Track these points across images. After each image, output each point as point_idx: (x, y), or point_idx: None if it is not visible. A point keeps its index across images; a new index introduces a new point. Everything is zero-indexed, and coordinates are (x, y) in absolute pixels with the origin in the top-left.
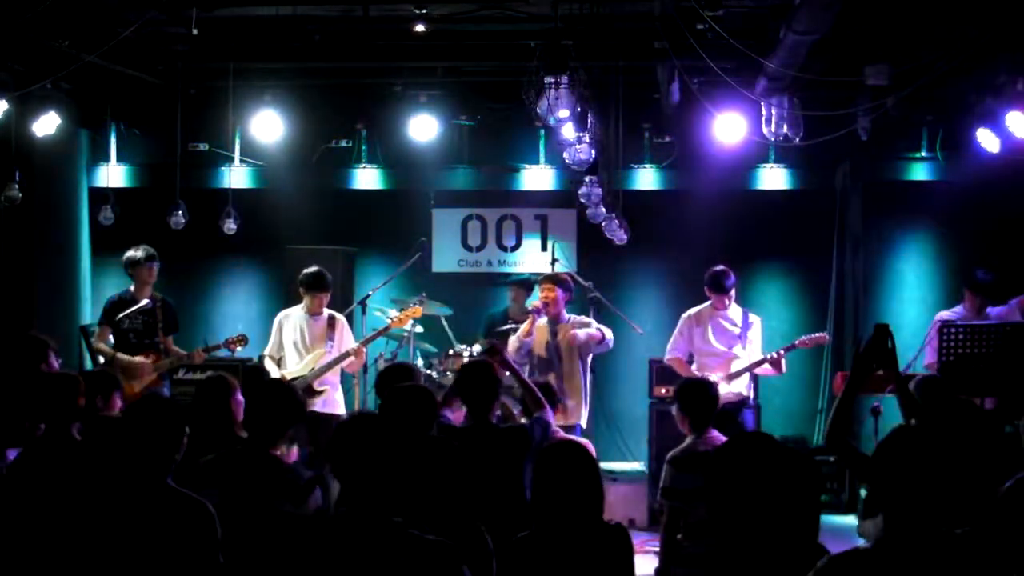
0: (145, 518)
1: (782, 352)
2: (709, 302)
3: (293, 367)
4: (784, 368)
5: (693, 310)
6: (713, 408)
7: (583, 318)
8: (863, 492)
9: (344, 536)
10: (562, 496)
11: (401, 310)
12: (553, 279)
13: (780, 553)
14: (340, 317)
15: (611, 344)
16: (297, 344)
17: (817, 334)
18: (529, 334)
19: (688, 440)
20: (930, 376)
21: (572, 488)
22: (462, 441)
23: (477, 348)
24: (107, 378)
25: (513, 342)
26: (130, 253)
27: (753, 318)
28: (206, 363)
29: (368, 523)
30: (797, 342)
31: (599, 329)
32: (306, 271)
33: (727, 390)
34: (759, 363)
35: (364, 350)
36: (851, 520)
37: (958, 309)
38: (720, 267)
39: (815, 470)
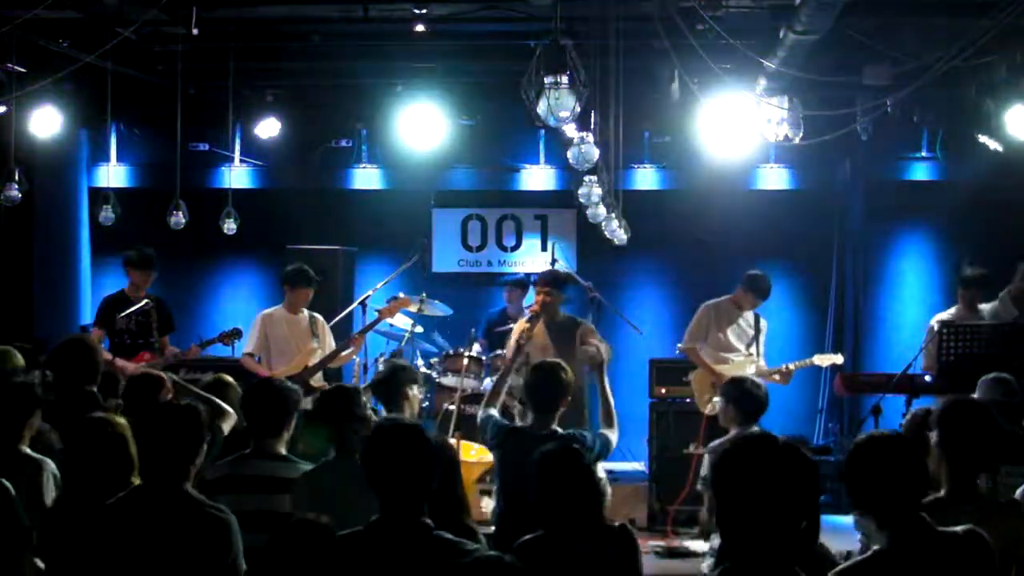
0: (163, 525)
1: (792, 367)
2: (728, 296)
3: (284, 366)
4: (790, 381)
5: (712, 302)
6: (760, 405)
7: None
8: None
9: (383, 544)
10: (560, 499)
11: (388, 302)
12: (549, 280)
13: (784, 551)
14: (319, 317)
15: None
16: (288, 343)
17: (835, 356)
18: (529, 337)
19: (733, 433)
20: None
21: (569, 491)
22: (521, 441)
23: (476, 348)
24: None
25: (511, 345)
26: (131, 253)
27: (763, 321)
28: (206, 363)
29: (405, 529)
30: (809, 360)
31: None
32: (289, 267)
33: None
34: (771, 373)
35: (362, 339)
36: (851, 520)
37: (952, 310)
38: (759, 272)
39: (814, 468)
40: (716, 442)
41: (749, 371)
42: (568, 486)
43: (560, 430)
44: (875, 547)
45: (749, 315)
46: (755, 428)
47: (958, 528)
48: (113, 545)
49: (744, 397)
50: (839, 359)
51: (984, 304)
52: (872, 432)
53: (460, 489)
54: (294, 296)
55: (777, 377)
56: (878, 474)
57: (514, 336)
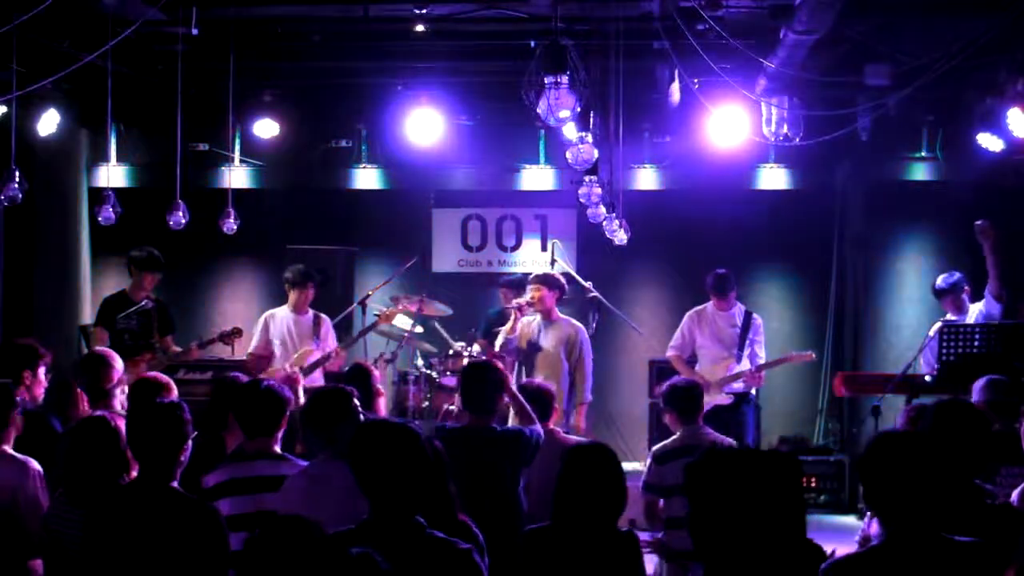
0: (150, 521)
1: (761, 369)
2: (711, 302)
3: (280, 365)
4: (763, 382)
5: (696, 309)
6: (695, 403)
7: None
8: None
9: (376, 544)
10: (585, 496)
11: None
12: (541, 279)
13: (770, 554)
14: (324, 317)
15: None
16: (285, 342)
17: (805, 352)
18: (513, 331)
19: (675, 435)
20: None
21: (597, 489)
22: (460, 442)
23: (476, 349)
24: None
25: (499, 338)
26: (141, 254)
27: (757, 319)
28: (209, 365)
29: (397, 529)
30: (783, 357)
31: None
32: (291, 268)
33: (716, 396)
34: (739, 376)
35: (345, 352)
36: (851, 520)
37: (948, 317)
38: (722, 270)
39: (795, 467)
40: (658, 446)
41: (732, 370)
42: (595, 484)
43: (499, 427)
44: (872, 543)
45: (736, 316)
46: (702, 428)
47: (966, 539)
48: (103, 542)
49: (677, 400)
50: (811, 355)
51: (974, 304)
52: (890, 430)
53: (448, 487)
54: (297, 297)
55: (740, 383)
56: (891, 473)
57: (503, 331)
